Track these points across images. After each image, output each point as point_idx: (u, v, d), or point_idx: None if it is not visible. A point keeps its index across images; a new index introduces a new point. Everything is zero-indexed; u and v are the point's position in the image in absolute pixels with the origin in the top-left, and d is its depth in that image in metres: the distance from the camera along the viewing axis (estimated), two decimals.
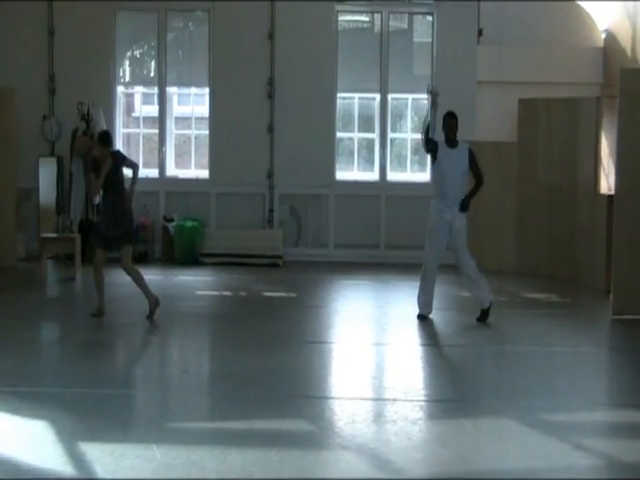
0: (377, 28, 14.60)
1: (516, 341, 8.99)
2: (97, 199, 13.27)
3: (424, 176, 14.31)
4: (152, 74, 14.92)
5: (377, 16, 14.50)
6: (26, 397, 6.42)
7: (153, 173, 14.41)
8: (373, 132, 14.55)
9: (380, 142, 14.35)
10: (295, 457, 5.35)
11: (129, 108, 15.71)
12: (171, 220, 13.80)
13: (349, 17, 14.81)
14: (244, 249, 13.62)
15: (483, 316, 9.63)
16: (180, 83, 14.89)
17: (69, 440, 5.48)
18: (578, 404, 6.77)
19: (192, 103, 15.35)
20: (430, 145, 9.65)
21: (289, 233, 14.10)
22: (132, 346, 8.74)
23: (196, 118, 15.10)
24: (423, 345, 8.89)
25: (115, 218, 9.31)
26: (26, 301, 10.66)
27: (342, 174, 14.39)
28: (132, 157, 14.17)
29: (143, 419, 6.22)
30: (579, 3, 13.90)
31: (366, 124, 14.75)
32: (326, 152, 14.13)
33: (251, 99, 14.01)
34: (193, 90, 15.22)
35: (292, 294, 11.38)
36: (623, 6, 13.14)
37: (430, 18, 14.28)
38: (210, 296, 11.34)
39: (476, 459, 5.45)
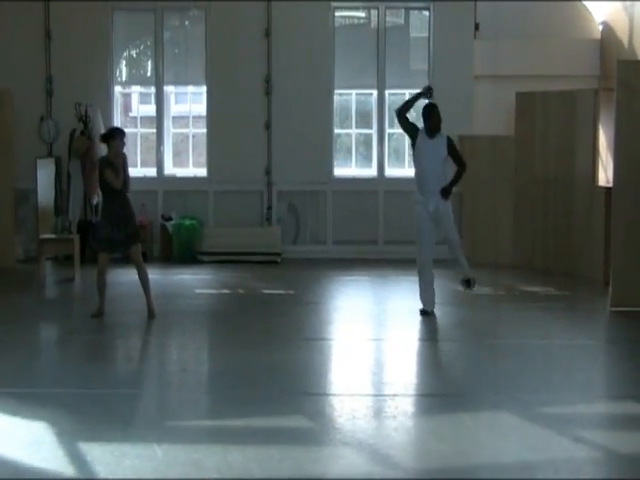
0: (373, 24, 14.61)
1: (514, 335, 9.00)
2: (95, 199, 13.36)
3: None
4: (149, 73, 14.92)
5: (374, 12, 14.50)
6: (26, 398, 6.43)
7: (151, 172, 14.42)
8: (371, 128, 14.56)
9: (378, 138, 14.36)
10: (296, 454, 5.37)
11: (126, 108, 15.72)
12: (169, 219, 13.82)
13: (345, 13, 14.82)
14: (242, 247, 13.64)
15: (468, 282, 9.83)
16: (177, 82, 14.89)
17: (69, 441, 5.49)
18: (576, 397, 6.78)
19: (189, 102, 15.35)
20: (409, 125, 9.90)
21: (287, 230, 14.12)
22: (131, 346, 8.75)
23: (193, 117, 15.10)
24: (422, 340, 8.91)
25: (124, 218, 9.32)
26: (25, 302, 10.68)
27: (340, 170, 14.40)
28: (130, 157, 14.25)
29: (143, 418, 6.23)
30: None
31: (363, 120, 14.75)
32: (324, 149, 14.15)
33: (248, 97, 14.02)
34: (190, 89, 15.22)
35: (291, 291, 11.39)
36: None
37: (426, 13, 14.28)
38: (209, 294, 11.35)
39: (475, 453, 5.46)
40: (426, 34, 14.30)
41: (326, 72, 14.10)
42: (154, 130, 14.66)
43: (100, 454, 5.28)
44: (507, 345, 8.54)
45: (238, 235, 13.83)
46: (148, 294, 9.35)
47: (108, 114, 14.07)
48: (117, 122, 14.45)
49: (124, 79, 15.07)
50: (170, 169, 14.66)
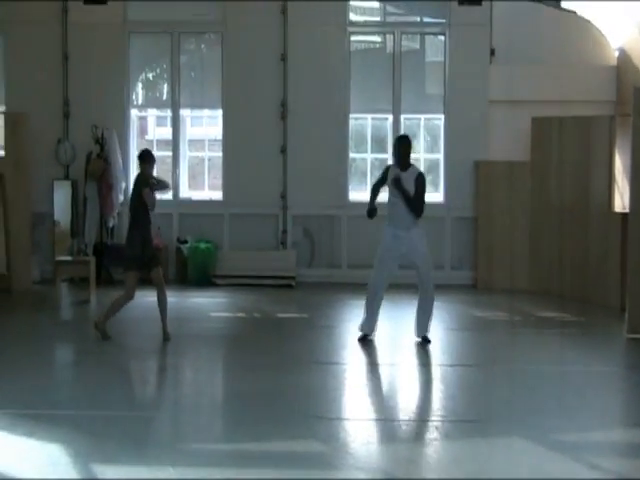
0: (389, 49, 14.66)
1: (529, 360, 8.94)
2: (111, 222, 13.42)
3: (437, 196, 14.31)
4: (165, 97, 15.01)
5: (389, 37, 14.56)
6: (42, 419, 6.44)
7: (167, 195, 14.46)
8: (386, 152, 14.58)
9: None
10: (309, 478, 5.33)
11: (142, 131, 15.79)
12: (185, 242, 13.84)
13: (361, 38, 14.88)
14: (257, 270, 13.64)
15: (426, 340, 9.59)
16: (193, 105, 14.94)
17: (85, 462, 5.49)
18: (592, 424, 6.73)
19: (205, 125, 15.41)
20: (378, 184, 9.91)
21: (302, 254, 14.11)
22: (146, 368, 8.75)
23: (209, 140, 15.16)
24: (436, 365, 8.87)
25: (150, 239, 9.41)
26: (41, 324, 10.73)
27: (355, 194, 14.40)
28: None
29: (157, 441, 6.21)
30: (592, 22, 13.91)
31: (379, 145, 14.78)
32: (339, 173, 14.16)
33: (264, 121, 14.07)
34: (206, 112, 15.29)
35: (305, 315, 11.39)
36: (636, 24, 13.15)
37: (442, 38, 14.34)
38: (224, 317, 11.35)
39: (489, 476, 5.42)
40: (441, 59, 14.34)
41: (342, 96, 14.13)
42: (170, 153, 14.72)
43: (115, 476, 5.29)
44: (523, 371, 8.48)
45: (253, 259, 13.84)
46: (164, 317, 9.36)
47: (124, 137, 14.15)
48: (133, 145, 14.55)
49: (140, 102, 15.15)
50: (186, 192, 14.70)
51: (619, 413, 7.38)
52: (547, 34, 13.78)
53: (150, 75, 15.39)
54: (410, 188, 9.39)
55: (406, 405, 7.32)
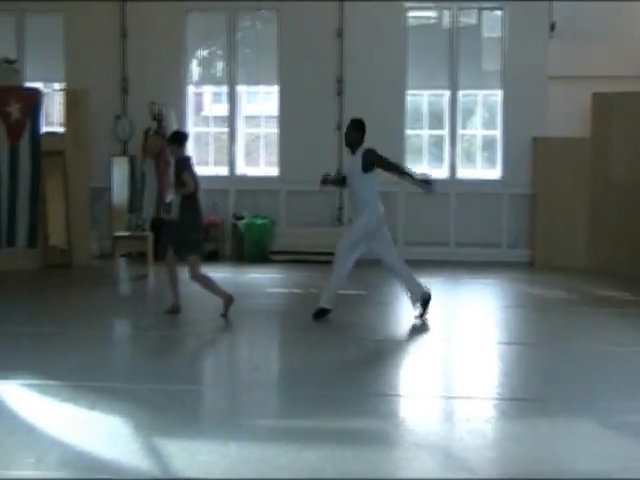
0: (445, 24, 14.51)
1: (588, 340, 8.81)
2: (169, 197, 13.51)
3: (494, 173, 14.19)
4: (220, 73, 15.04)
5: (445, 12, 14.40)
6: (103, 392, 6.52)
7: (223, 171, 14.54)
8: (442, 129, 14.46)
9: (450, 139, 14.25)
10: (368, 455, 5.33)
11: (198, 107, 15.86)
12: (241, 218, 13.91)
13: (417, 13, 14.73)
14: (313, 247, 13.65)
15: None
16: (249, 82, 14.94)
17: (145, 435, 5.55)
18: None
19: (260, 102, 15.42)
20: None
21: None
22: (204, 343, 8.81)
23: (265, 117, 15.17)
24: (495, 343, 8.79)
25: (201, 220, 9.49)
26: (100, 298, 10.88)
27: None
28: (202, 156, 14.41)
29: (216, 415, 6.26)
30: None
31: (435, 121, 14.65)
32: (395, 149, 14.02)
33: (320, 97, 14.05)
34: (262, 88, 15.29)
35: (362, 291, 11.36)
36: None
37: (499, 13, 14.14)
38: (280, 293, 11.39)
39: (551, 459, 5.35)
40: (498, 34, 14.16)
41: (398, 73, 14.04)
42: (225, 129, 14.77)
43: (175, 449, 5.32)
44: (582, 350, 8.37)
45: (309, 235, 13.85)
46: (217, 291, 9.43)
47: (181, 113, 14.23)
48: (190, 121, 14.62)
49: (197, 79, 15.20)
50: (242, 168, 14.74)
51: None
52: (607, 8, 13.48)
53: (206, 52, 15.42)
54: (357, 170, 9.35)
55: (463, 382, 7.28)
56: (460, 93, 14.25)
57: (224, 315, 9.29)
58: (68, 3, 14.26)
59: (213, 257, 13.25)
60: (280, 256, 13.61)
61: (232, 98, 14.57)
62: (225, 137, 14.84)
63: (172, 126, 13.60)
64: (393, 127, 14.01)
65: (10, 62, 12.73)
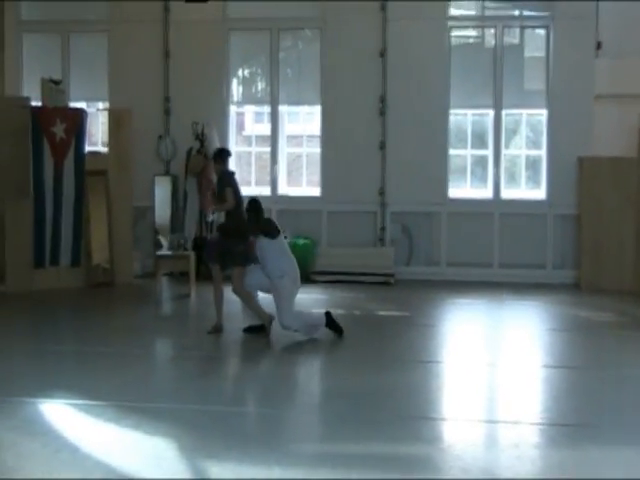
0: (487, 43, 14.43)
1: (638, 365, 8.63)
2: (211, 217, 13.52)
3: (539, 193, 14.03)
4: (260, 93, 15.06)
5: (487, 31, 14.32)
6: (146, 412, 6.48)
7: (265, 191, 14.51)
8: (486, 148, 14.33)
9: (494, 159, 14.12)
10: None
11: (240, 127, 15.89)
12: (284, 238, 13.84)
13: (460, 32, 14.65)
14: (355, 267, 13.58)
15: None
16: (290, 101, 14.93)
17: (189, 457, 5.49)
18: None
19: (301, 121, 15.41)
20: None
21: (401, 251, 13.99)
22: (246, 364, 8.75)
23: (307, 136, 15.15)
24: (540, 367, 8.63)
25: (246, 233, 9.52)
26: (143, 317, 10.88)
27: (455, 191, 14.19)
28: (244, 176, 14.41)
29: (259, 438, 6.16)
30: None
31: (479, 140, 14.53)
32: (438, 169, 13.99)
33: (363, 116, 14.00)
34: (304, 108, 15.27)
35: (405, 313, 11.25)
36: None
37: (542, 32, 14.03)
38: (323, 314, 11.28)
39: None
40: (540, 53, 14.04)
41: (441, 92, 13.95)
42: (267, 149, 14.77)
43: (219, 472, 5.26)
44: (632, 375, 8.18)
45: (351, 255, 13.78)
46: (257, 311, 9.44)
47: (224, 133, 14.26)
48: (232, 141, 14.64)
49: (238, 98, 15.21)
50: (284, 189, 14.72)
51: None
52: None
53: (248, 71, 15.46)
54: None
55: (509, 406, 7.13)
56: (503, 112, 14.12)
57: (212, 333, 9.37)
58: (112, 24, 14.40)
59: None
60: (322, 276, 13.54)
61: (274, 117, 14.57)
62: (267, 157, 14.83)
63: (215, 145, 13.61)
64: (436, 147, 13.92)
65: (56, 83, 12.84)
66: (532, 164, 14.43)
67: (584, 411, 6.99)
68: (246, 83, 15.46)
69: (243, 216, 9.47)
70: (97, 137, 15.19)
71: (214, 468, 5.33)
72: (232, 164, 14.18)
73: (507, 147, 14.42)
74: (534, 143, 14.53)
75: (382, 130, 14.00)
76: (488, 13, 14.37)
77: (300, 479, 5.18)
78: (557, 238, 13.77)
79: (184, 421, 6.30)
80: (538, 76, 14.17)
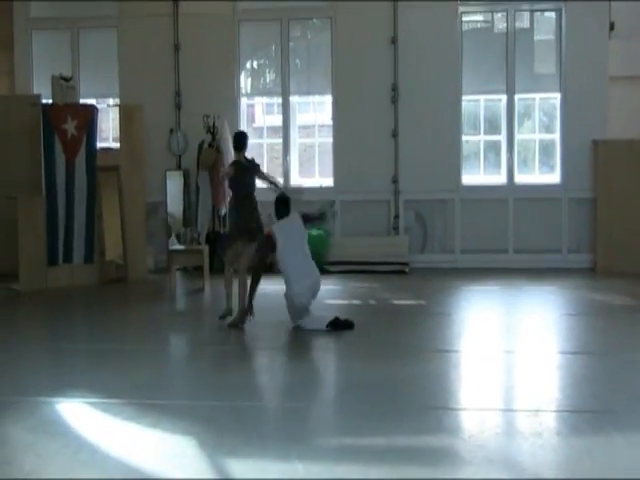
0: (497, 28, 14.31)
1: None
2: (223, 210, 13.47)
3: (553, 177, 13.93)
4: (270, 84, 14.99)
5: (497, 16, 14.21)
6: (165, 410, 6.44)
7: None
8: (499, 134, 14.23)
9: (507, 144, 14.02)
10: (441, 472, 5.17)
11: (250, 119, 15.84)
12: None
13: (471, 17, 14.54)
14: (370, 256, 13.53)
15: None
16: (301, 92, 14.86)
17: (210, 454, 5.44)
18: None
19: (312, 111, 15.33)
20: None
21: (415, 239, 13.93)
22: (263, 358, 8.70)
23: (319, 125, 15.07)
24: (558, 353, 8.56)
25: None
26: (157, 313, 10.87)
27: (468, 178, 14.11)
28: None
29: (281, 433, 6.11)
30: None
31: (492, 126, 14.43)
32: (452, 156, 13.91)
33: (375, 105, 13.93)
34: (315, 98, 15.19)
35: (421, 302, 11.19)
36: None
37: (552, 15, 13.91)
38: (339, 305, 11.23)
39: (630, 474, 5.14)
40: (551, 36, 13.92)
41: (454, 78, 13.86)
42: (279, 140, 14.71)
43: (242, 469, 5.21)
44: None
45: (365, 245, 13.72)
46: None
47: (235, 125, 14.18)
48: None
49: (249, 90, 15.15)
50: (296, 179, 14.66)
51: None
52: None
53: (258, 63, 15.39)
54: None
55: (531, 395, 7.05)
56: (516, 97, 14.01)
57: (223, 319, 9.58)
58: (121, 19, 14.35)
59: (269, 269, 13.13)
60: (336, 267, 13.48)
61: (285, 108, 14.50)
62: (278, 148, 14.77)
63: (227, 139, 13.56)
64: (449, 133, 13.84)
65: (66, 80, 12.81)
66: (545, 148, 14.32)
67: (604, 397, 6.91)
68: (256, 75, 15.39)
69: (247, 209, 9.52)
70: (108, 133, 15.16)
71: (236, 465, 5.28)
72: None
73: (520, 132, 14.32)
74: (547, 127, 14.42)
75: (394, 118, 13.92)
76: None
77: (325, 476, 5.13)
78: (572, 222, 13.68)
79: (203, 417, 6.25)
80: (549, 60, 14.06)
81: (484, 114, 14.47)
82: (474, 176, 14.29)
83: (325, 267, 13.42)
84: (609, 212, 13.11)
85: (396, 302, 11.28)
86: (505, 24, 14.06)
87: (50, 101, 12.69)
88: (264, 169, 14.11)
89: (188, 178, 14.22)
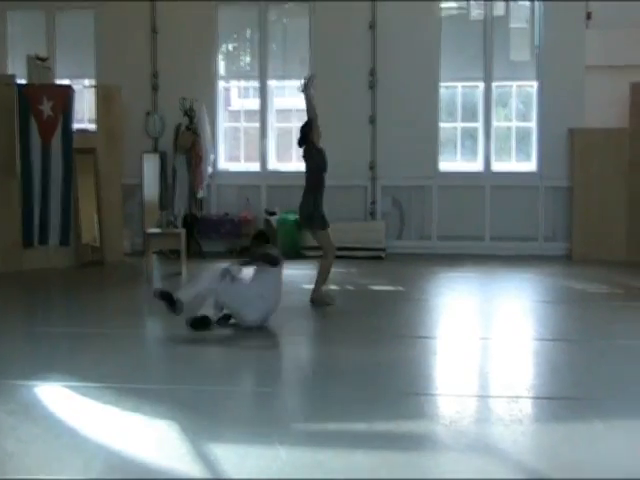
0: (475, 15, 14.32)
1: (634, 335, 8.62)
2: (201, 194, 13.41)
3: (529, 166, 13.99)
4: (248, 67, 14.91)
5: (474, 4, 14.21)
6: (145, 394, 6.40)
7: (254, 167, 14.41)
8: (476, 121, 14.27)
9: (484, 131, 14.06)
10: (423, 458, 5.18)
11: (226, 102, 15.77)
12: (273, 214, 13.78)
13: (448, 4, 14.53)
14: (346, 242, 13.51)
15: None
16: (278, 76, 14.80)
17: (191, 439, 5.42)
18: None
19: (288, 96, 15.27)
20: None
21: (392, 225, 13.95)
22: (241, 342, 8.67)
23: (296, 110, 15.01)
24: (535, 340, 8.61)
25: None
26: (134, 297, 10.80)
27: (445, 165, 14.14)
28: (233, 151, 14.28)
29: (262, 417, 6.10)
30: None
31: (469, 113, 14.45)
32: (429, 143, 13.93)
33: (352, 90, 13.91)
34: (292, 83, 15.11)
35: (398, 287, 11.21)
36: None
37: (527, 3, 13.95)
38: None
39: (614, 464, 5.18)
40: (526, 25, 13.96)
41: (431, 65, 13.86)
42: (255, 124, 14.64)
43: (223, 454, 5.19)
44: (630, 346, 8.18)
45: (342, 230, 13.66)
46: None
47: (213, 109, 14.12)
48: (220, 116, 14.50)
49: (226, 73, 15.07)
50: (274, 164, 14.61)
51: None
52: None
53: (235, 46, 15.31)
54: None
55: (510, 381, 7.08)
56: (494, 85, 14.04)
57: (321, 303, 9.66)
58: (99, 0, 14.20)
59: (246, 252, 13.11)
60: (313, 252, 13.45)
61: (263, 92, 14.44)
62: (255, 132, 14.71)
63: (203, 122, 13.49)
64: (426, 120, 13.87)
65: (42, 60, 12.66)
66: (522, 136, 14.37)
67: (584, 384, 6.96)
68: (233, 58, 15.30)
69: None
70: (83, 115, 15.01)
71: (217, 450, 5.26)
72: (220, 140, 14.14)
73: (497, 119, 14.35)
74: (524, 115, 14.47)
75: (372, 104, 13.92)
76: None
77: (307, 461, 5.13)
78: (548, 210, 13.77)
79: (183, 402, 6.23)
80: (524, 47, 14.10)
81: (461, 101, 14.49)
82: (451, 163, 14.32)
83: (302, 252, 13.43)
84: (585, 200, 13.20)
85: (373, 287, 11.29)
86: (482, 11, 14.06)
87: (25, 81, 12.54)
88: (239, 154, 14.09)
89: (165, 161, 14.13)
